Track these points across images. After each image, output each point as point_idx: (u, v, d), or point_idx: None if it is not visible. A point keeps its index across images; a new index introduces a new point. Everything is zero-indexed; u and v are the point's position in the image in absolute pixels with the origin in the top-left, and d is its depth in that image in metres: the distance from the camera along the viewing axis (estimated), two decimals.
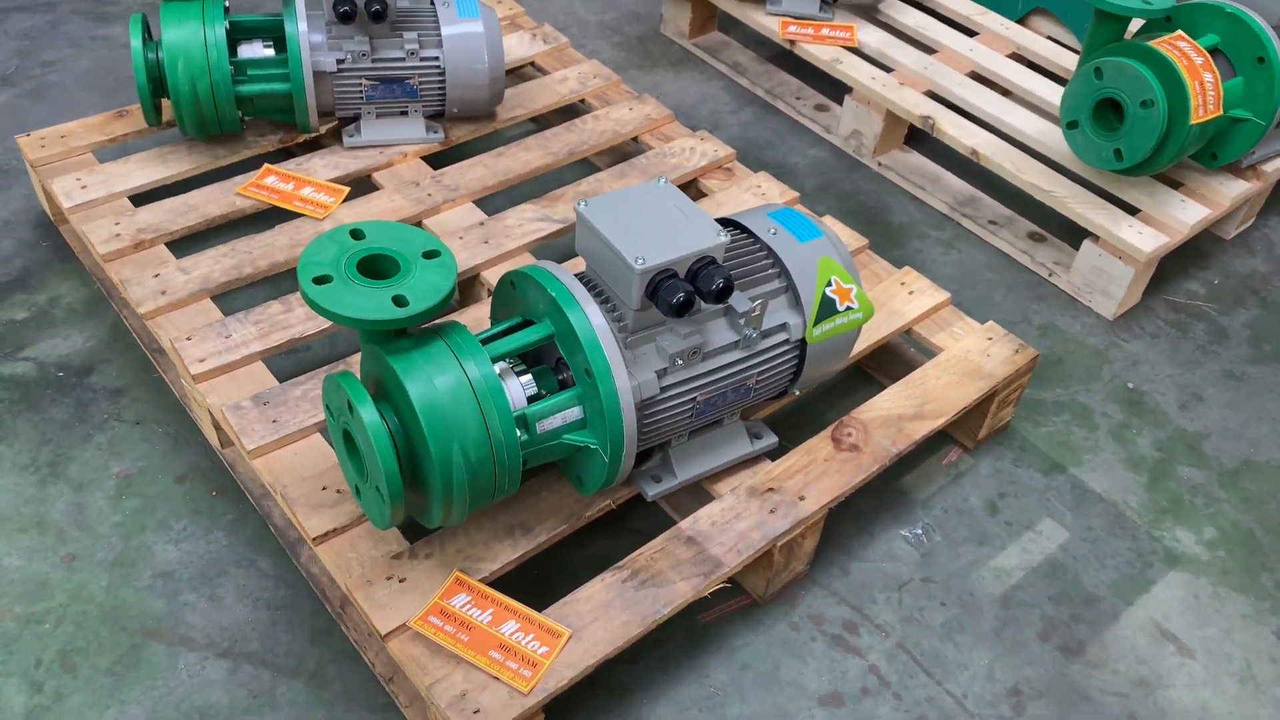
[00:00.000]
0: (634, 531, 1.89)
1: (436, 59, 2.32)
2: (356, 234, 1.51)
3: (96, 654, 1.69)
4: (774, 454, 1.84)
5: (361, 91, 2.32)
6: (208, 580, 1.80)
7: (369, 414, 1.40)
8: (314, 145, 2.44)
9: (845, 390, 2.18)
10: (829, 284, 1.70)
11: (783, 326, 1.68)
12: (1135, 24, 2.55)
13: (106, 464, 1.96)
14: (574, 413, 1.55)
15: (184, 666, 1.69)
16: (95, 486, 1.92)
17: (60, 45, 3.02)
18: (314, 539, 1.64)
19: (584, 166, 2.63)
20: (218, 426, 1.88)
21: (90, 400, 2.07)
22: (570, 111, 2.66)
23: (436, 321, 1.52)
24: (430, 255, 1.50)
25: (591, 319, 1.50)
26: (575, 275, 1.62)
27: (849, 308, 1.71)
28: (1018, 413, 2.18)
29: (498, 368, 1.55)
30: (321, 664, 1.71)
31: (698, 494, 1.80)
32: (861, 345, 2.02)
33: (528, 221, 2.24)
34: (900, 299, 2.12)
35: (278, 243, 2.13)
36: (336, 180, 2.31)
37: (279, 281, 2.21)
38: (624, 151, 2.59)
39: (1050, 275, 2.50)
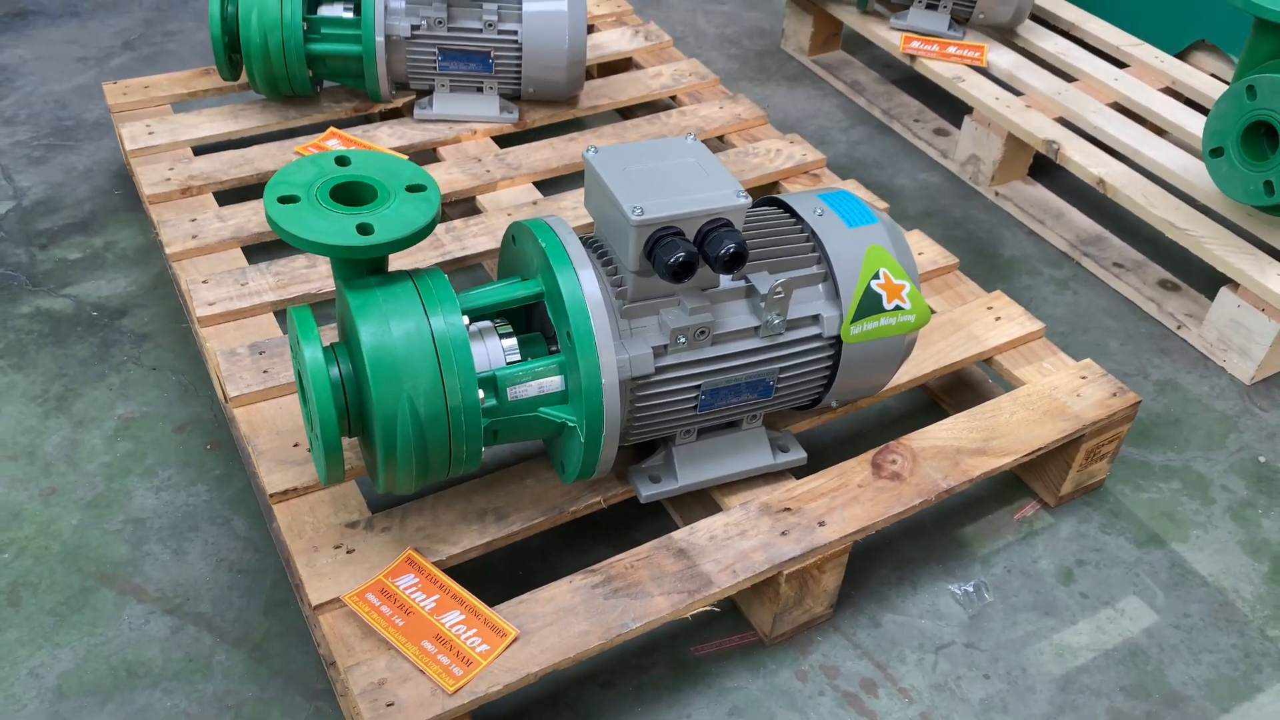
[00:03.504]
0: (639, 544, 1.67)
1: (515, 34, 2.21)
2: (342, 160, 1.38)
3: (46, 591, 1.59)
4: (802, 472, 1.60)
5: (435, 62, 2.24)
6: (177, 533, 1.69)
7: (311, 351, 1.26)
8: (390, 118, 2.37)
9: (911, 421, 1.91)
10: (876, 276, 1.46)
11: (814, 319, 1.45)
12: None
13: (112, 405, 1.89)
14: (553, 382, 1.36)
15: (128, 618, 1.57)
16: (95, 425, 1.85)
17: (185, 18, 3.08)
18: (271, 495, 1.50)
19: None
20: None
21: (115, 342, 2.01)
22: (660, 108, 2.51)
23: (417, 267, 1.37)
24: (415, 189, 1.35)
25: (581, 277, 1.32)
26: (582, 236, 1.44)
27: (898, 307, 1.47)
28: (1115, 472, 1.86)
29: (479, 326, 1.38)
30: (268, 637, 1.55)
31: (710, 506, 1.57)
32: (927, 366, 1.75)
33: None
34: (984, 324, 1.84)
35: None
36: (399, 149, 2.22)
37: None
38: (712, 149, 2.40)
39: (1179, 328, 2.17)
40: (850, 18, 2.82)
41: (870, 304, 1.45)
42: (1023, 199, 2.49)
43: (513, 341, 1.38)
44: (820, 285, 1.47)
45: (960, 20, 2.72)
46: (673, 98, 2.50)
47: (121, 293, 2.12)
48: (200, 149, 2.22)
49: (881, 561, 1.70)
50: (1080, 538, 1.75)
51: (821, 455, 1.72)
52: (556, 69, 2.25)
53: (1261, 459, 1.92)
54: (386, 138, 2.24)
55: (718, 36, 3.16)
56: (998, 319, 1.85)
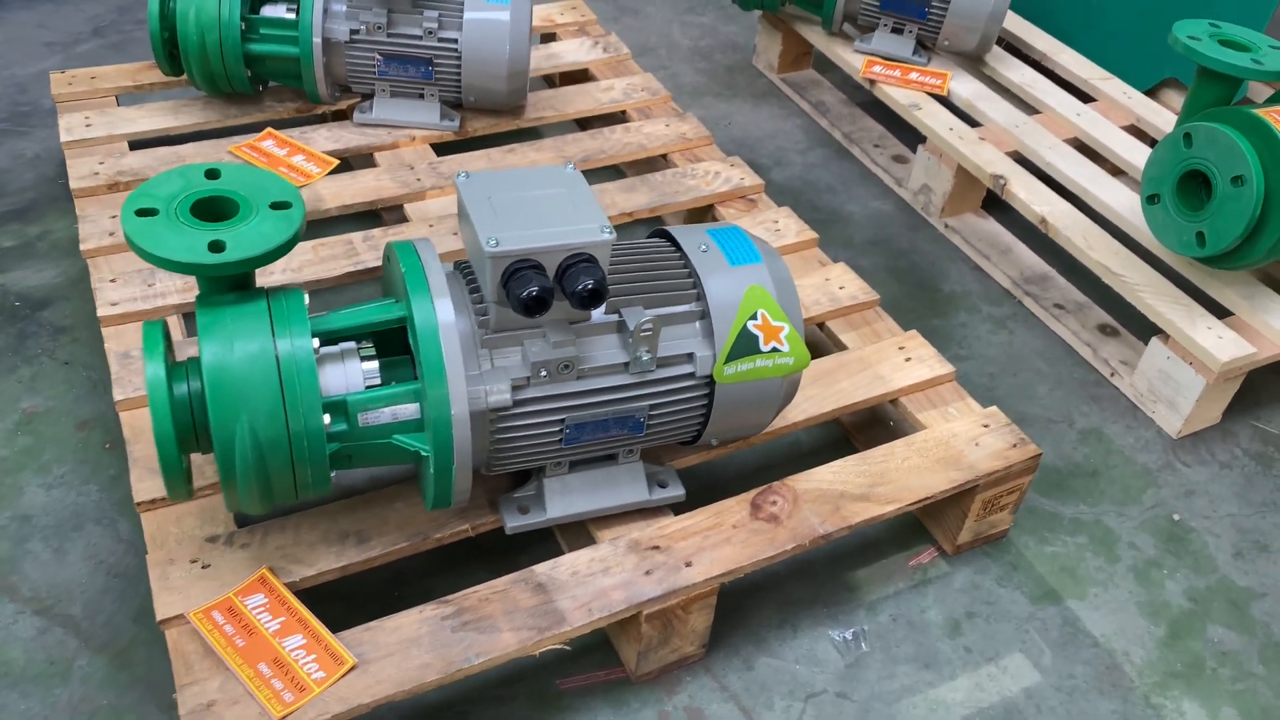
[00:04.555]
0: None
1: (455, 41, 2.19)
2: (212, 174, 1.37)
3: None
4: (683, 508, 1.57)
5: (375, 66, 2.22)
6: (61, 532, 1.68)
7: (153, 368, 1.24)
8: (335, 119, 2.36)
9: (822, 456, 1.85)
10: (754, 317, 1.43)
11: (688, 357, 1.42)
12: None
13: (19, 398, 1.89)
14: (408, 410, 1.34)
15: None
16: None
17: None
18: (139, 504, 1.49)
19: (598, 176, 2.39)
20: None
21: (32, 334, 2.02)
22: (609, 121, 2.48)
23: (279, 284, 1.36)
24: (279, 206, 1.34)
25: (437, 305, 1.30)
26: (458, 262, 1.43)
27: (775, 349, 1.44)
28: (1021, 522, 1.82)
29: (341, 347, 1.36)
30: (134, 644, 1.55)
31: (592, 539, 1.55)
32: (827, 404, 1.72)
33: None
34: (892, 364, 1.81)
35: None
36: (335, 153, 2.21)
37: None
38: (653, 167, 2.38)
39: (1112, 375, 2.12)
40: (816, 38, 2.78)
41: (746, 345, 1.43)
42: (972, 232, 2.44)
43: (374, 365, 1.36)
44: (697, 323, 1.44)
45: (926, 46, 2.68)
46: (623, 113, 2.47)
47: (47, 284, 2.13)
48: (137, 143, 2.22)
49: (765, 601, 1.67)
50: (974, 589, 1.72)
51: (723, 489, 1.68)
52: (497, 78, 2.23)
53: (1176, 517, 1.87)
54: (323, 141, 2.23)
55: (690, 49, 3.13)
56: (908, 359, 1.82)
